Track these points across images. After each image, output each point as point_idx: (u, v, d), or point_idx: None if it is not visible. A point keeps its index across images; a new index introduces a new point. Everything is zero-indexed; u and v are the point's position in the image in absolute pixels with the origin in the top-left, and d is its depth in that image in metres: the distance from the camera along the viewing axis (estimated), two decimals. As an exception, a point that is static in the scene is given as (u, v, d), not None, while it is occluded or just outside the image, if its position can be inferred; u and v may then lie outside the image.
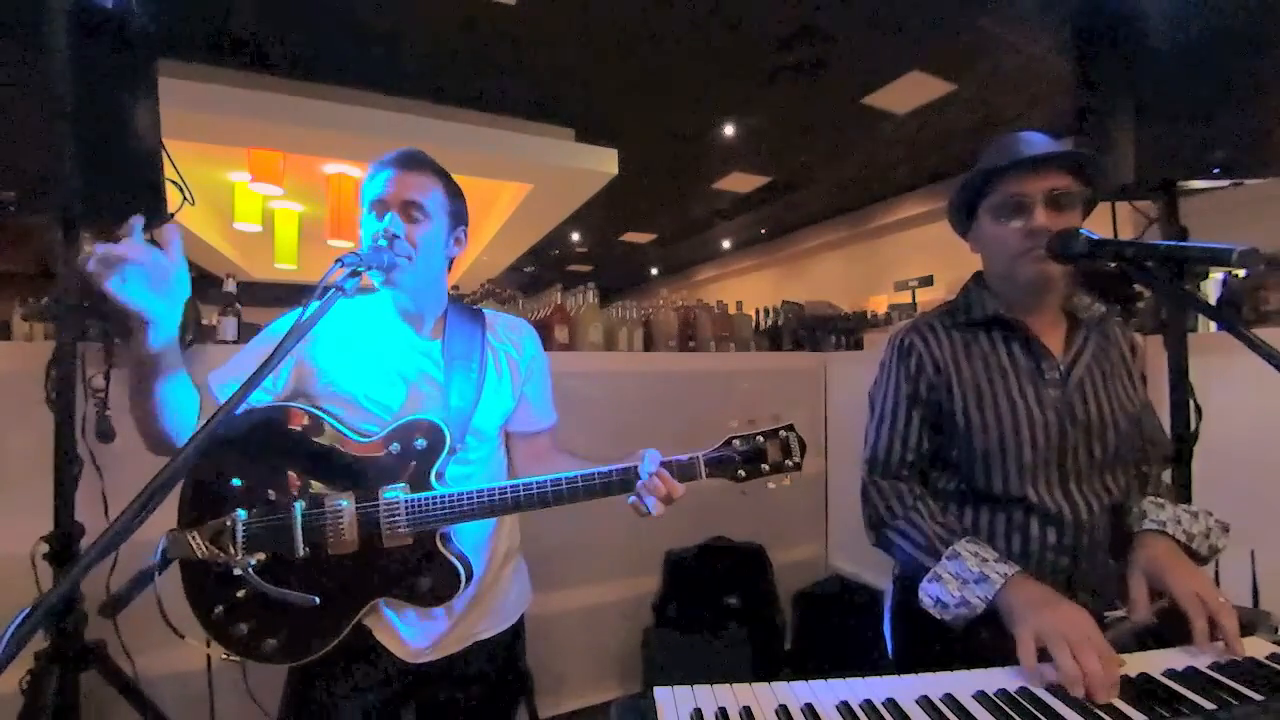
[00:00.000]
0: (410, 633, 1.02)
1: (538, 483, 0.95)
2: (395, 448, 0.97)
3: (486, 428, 1.09)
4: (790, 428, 0.96)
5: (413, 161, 1.04)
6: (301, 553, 0.93)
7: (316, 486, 0.96)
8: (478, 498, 0.94)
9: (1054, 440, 0.97)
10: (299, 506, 0.93)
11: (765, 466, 0.95)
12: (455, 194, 1.09)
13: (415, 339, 1.07)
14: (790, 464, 0.95)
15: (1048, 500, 0.96)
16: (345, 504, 0.94)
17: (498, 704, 1.16)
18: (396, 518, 0.94)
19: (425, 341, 1.08)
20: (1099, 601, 0.96)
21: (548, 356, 1.21)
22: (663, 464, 0.93)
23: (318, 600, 0.93)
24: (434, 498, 0.94)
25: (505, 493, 0.95)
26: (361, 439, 0.98)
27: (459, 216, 1.09)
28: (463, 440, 1.03)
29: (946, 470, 1.04)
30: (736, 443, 0.96)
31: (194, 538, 0.92)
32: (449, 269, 1.12)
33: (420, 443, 0.97)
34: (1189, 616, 0.80)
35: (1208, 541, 0.94)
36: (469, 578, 0.97)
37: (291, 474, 0.96)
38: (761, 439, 0.95)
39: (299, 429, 0.98)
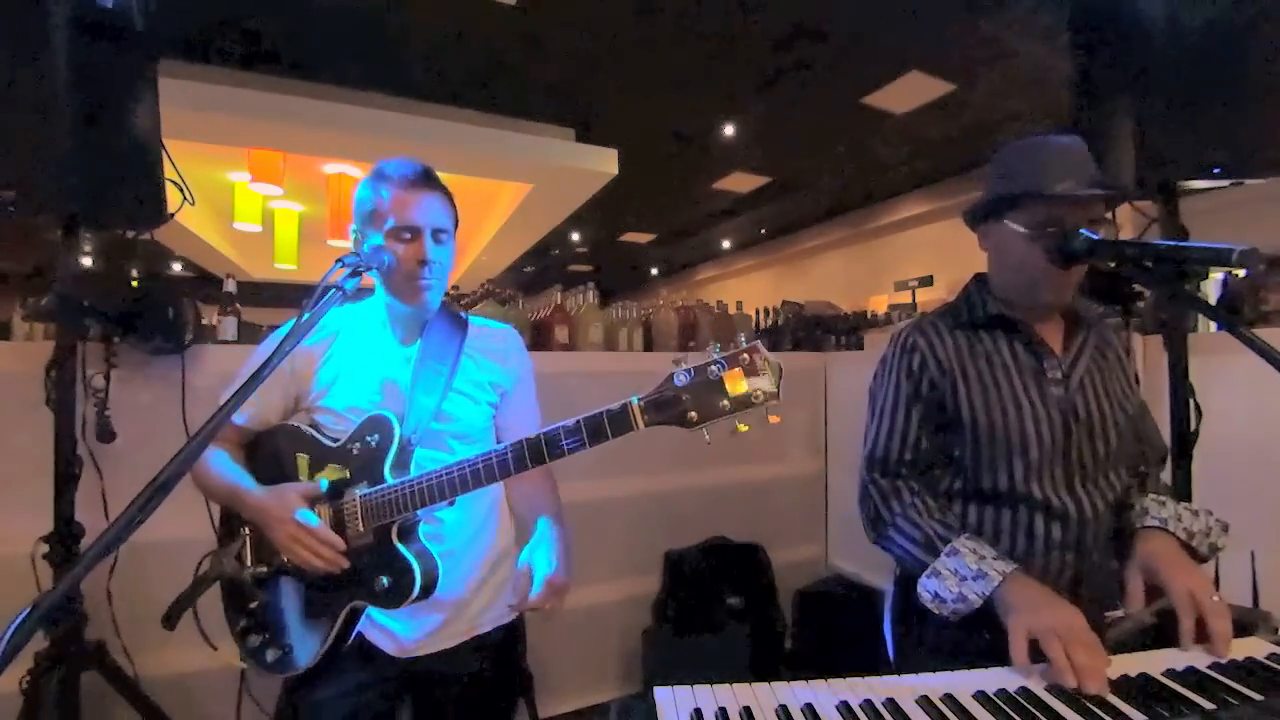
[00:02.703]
0: (401, 627, 1.02)
1: (472, 459, 0.88)
2: (357, 448, 0.98)
3: (467, 428, 1.07)
4: (754, 348, 0.75)
5: (434, 181, 1.03)
6: (283, 560, 0.97)
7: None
8: (420, 483, 0.90)
9: (1059, 438, 0.97)
10: None
11: (725, 403, 0.74)
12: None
13: (397, 346, 1.08)
14: (760, 394, 0.74)
15: (1053, 498, 0.96)
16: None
17: (495, 704, 1.15)
18: (355, 516, 0.95)
19: (405, 348, 1.08)
20: (1103, 599, 0.97)
21: (533, 363, 1.19)
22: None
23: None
24: (381, 491, 0.94)
25: (443, 474, 0.89)
26: (333, 444, 1.00)
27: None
28: (424, 433, 1.00)
29: (950, 469, 1.04)
30: (682, 378, 0.77)
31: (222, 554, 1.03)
32: None
33: (373, 438, 0.97)
34: (1179, 615, 0.80)
35: (1208, 540, 0.94)
36: (425, 575, 0.93)
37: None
38: (715, 368, 0.75)
39: (284, 443, 1.04)
